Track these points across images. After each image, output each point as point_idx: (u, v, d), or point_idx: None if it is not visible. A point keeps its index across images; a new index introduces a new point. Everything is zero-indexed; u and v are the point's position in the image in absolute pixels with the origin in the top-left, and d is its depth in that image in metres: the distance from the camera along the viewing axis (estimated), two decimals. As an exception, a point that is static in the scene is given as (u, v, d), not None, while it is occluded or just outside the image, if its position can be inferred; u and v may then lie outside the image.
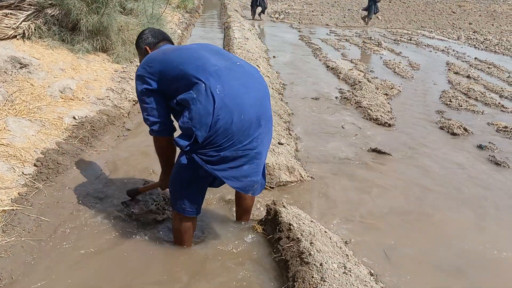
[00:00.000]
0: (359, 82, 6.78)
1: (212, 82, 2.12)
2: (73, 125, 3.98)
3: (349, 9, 19.52)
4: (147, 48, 2.55)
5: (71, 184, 3.15)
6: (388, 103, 5.99)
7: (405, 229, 3.08)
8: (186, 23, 11.13)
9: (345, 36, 12.52)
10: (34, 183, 3.02)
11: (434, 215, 3.28)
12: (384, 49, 10.72)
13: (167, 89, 2.28)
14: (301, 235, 2.48)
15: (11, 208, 2.70)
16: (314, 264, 2.22)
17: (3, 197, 2.79)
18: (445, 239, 2.99)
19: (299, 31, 13.16)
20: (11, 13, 5.57)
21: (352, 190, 3.55)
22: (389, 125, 5.11)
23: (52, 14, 5.73)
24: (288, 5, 20.59)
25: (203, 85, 2.11)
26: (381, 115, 5.29)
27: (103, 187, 3.25)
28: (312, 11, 18.46)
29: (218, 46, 2.51)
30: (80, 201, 3.01)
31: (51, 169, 3.21)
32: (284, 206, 2.83)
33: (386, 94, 6.37)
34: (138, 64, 5.75)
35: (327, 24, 15.11)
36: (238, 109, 2.14)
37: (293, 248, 2.43)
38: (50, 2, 5.77)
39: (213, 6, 19.75)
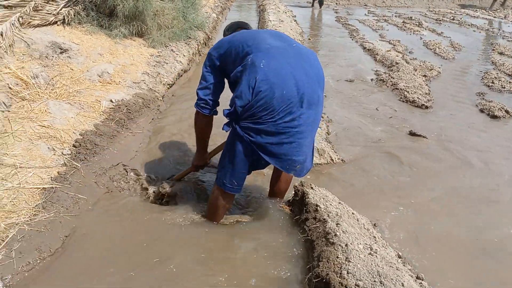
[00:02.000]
0: (397, 63, 6.60)
1: (259, 56, 2.23)
2: (110, 108, 4.12)
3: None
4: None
5: (107, 164, 3.28)
6: (427, 84, 5.81)
7: (437, 211, 3.02)
8: (221, 6, 11.15)
9: (384, 16, 12.18)
10: (73, 162, 3.16)
11: (470, 199, 3.19)
12: (425, 29, 10.36)
13: (228, 66, 2.43)
14: (328, 216, 2.49)
15: (51, 186, 2.85)
16: (340, 245, 2.22)
17: (43, 175, 2.93)
18: (480, 222, 2.91)
19: (336, 12, 12.90)
20: (52, 0, 5.78)
21: (383, 172, 3.51)
22: (426, 107, 4.97)
23: (90, 0, 5.90)
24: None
25: (250, 59, 2.23)
26: (418, 97, 5.15)
27: (137, 167, 3.36)
28: (351, -9, 18.02)
29: (283, 33, 2.58)
30: (116, 180, 3.14)
31: (89, 149, 3.34)
32: (312, 188, 2.84)
33: (424, 76, 6.18)
34: (173, 48, 5.89)
35: (365, 5, 14.73)
36: (280, 84, 2.18)
37: (319, 229, 2.44)
38: (88, -12, 5.94)
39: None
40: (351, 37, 9.22)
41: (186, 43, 6.51)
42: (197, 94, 2.55)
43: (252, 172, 2.56)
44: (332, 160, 3.58)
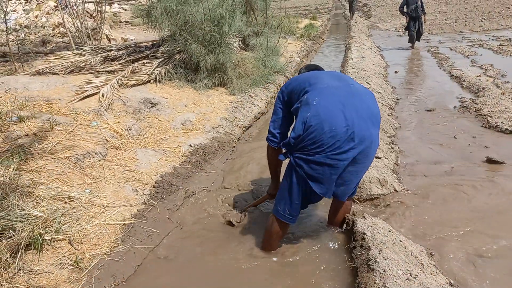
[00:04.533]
0: (483, 88, 6.25)
1: (313, 94, 2.49)
2: (189, 151, 4.57)
3: (489, 12, 17.85)
4: None
5: (180, 202, 3.65)
6: (515, 108, 5.41)
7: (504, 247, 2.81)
8: (307, 50, 11.54)
9: (479, 41, 11.53)
10: (151, 201, 3.58)
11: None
12: (526, 49, 9.59)
13: (293, 100, 2.70)
14: (373, 244, 2.51)
15: (130, 222, 3.27)
16: (378, 271, 2.25)
17: (125, 213, 3.38)
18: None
19: (427, 42, 12.53)
20: (148, 62, 6.63)
21: (449, 203, 3.36)
22: (511, 132, 4.64)
23: (179, 59, 6.64)
24: (419, 17, 19.65)
25: (306, 96, 2.50)
26: (502, 122, 4.83)
27: (207, 204, 3.66)
28: (445, 20, 17.35)
29: (345, 74, 2.81)
30: (186, 216, 3.47)
31: (166, 189, 3.76)
32: (364, 217, 2.87)
33: (515, 99, 5.76)
34: (252, 94, 6.31)
35: (460, 31, 14.06)
36: (330, 120, 2.37)
37: (363, 256, 2.48)
38: (178, 49, 6.71)
39: (341, 30, 19.89)
40: (439, 66, 8.91)
41: (264, 88, 6.90)
42: (269, 127, 2.87)
43: (308, 206, 2.73)
44: (395, 190, 3.54)
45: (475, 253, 2.70)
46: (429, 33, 14.63)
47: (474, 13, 18.33)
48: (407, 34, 12.10)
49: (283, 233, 2.82)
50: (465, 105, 5.78)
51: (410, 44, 11.91)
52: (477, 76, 7.36)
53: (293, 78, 2.83)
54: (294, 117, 2.63)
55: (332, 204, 3.03)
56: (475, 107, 5.53)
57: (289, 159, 2.57)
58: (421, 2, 11.51)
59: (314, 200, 2.72)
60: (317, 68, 3.04)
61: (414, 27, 11.62)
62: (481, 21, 15.54)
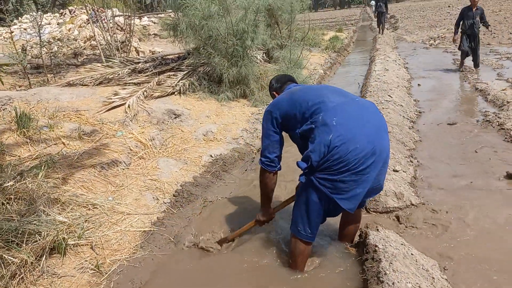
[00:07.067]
0: (508, 102, 6.16)
1: (329, 115, 2.44)
2: (209, 162, 4.68)
3: (520, 23, 17.49)
4: (275, 93, 3.07)
5: (198, 210, 3.75)
6: (542, 122, 5.32)
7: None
8: (331, 62, 11.60)
9: (507, 53, 11.33)
10: (170, 209, 3.70)
11: None
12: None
13: (290, 123, 2.67)
14: (384, 256, 2.55)
15: (150, 229, 3.39)
16: (387, 283, 2.28)
17: (145, 220, 3.51)
18: None
19: (454, 55, 12.39)
20: (173, 74, 6.83)
21: (464, 218, 3.34)
22: (534, 147, 4.57)
23: (203, 71, 6.82)
24: (447, 29, 19.43)
25: (320, 117, 2.45)
26: (525, 137, 4.77)
27: (225, 213, 3.75)
28: (474, 32, 17.07)
29: (340, 88, 2.79)
30: (203, 225, 3.57)
31: (185, 198, 3.88)
32: (377, 230, 2.90)
33: (541, 113, 5.66)
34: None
35: (488, 44, 13.83)
36: (353, 139, 2.35)
37: (374, 268, 2.51)
38: (202, 62, 6.89)
39: (367, 41, 19.83)
40: (464, 79, 8.80)
41: (286, 100, 6.98)
42: (262, 153, 2.79)
43: (326, 219, 2.69)
44: (411, 203, 3.54)
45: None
46: (456, 45, 14.43)
47: (503, 25, 17.97)
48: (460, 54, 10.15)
49: (308, 252, 2.76)
50: (488, 119, 5.71)
51: (459, 64, 10.15)
52: (503, 90, 7.24)
53: (282, 99, 2.75)
54: (301, 137, 2.61)
55: (342, 218, 3.03)
56: (498, 121, 5.46)
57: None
58: (481, 18, 9.61)
59: (332, 215, 2.69)
60: (293, 79, 3.07)
61: (468, 43, 9.75)
62: (510, 33, 15.24)
